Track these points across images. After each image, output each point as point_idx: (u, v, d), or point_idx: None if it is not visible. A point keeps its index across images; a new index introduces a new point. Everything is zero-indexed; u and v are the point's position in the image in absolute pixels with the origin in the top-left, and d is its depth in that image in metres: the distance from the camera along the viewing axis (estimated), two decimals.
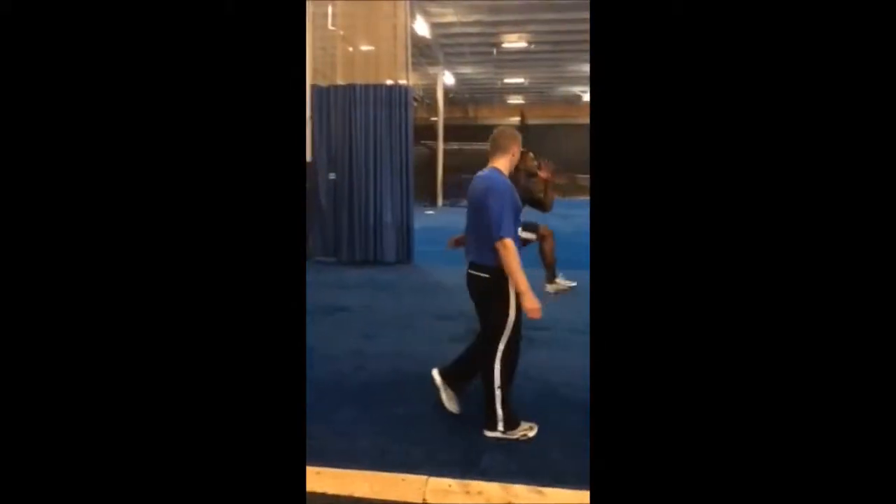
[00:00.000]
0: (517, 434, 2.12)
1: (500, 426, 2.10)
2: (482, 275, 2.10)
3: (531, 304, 1.96)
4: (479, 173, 2.22)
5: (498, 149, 2.19)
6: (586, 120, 23.12)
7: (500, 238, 1.97)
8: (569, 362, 2.98)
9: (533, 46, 13.33)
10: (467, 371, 2.28)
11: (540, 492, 1.73)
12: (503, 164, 2.19)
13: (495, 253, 2.00)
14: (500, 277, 2.06)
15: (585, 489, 1.59)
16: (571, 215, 11.10)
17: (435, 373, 2.33)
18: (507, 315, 2.07)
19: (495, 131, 2.29)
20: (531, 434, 2.14)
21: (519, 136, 2.26)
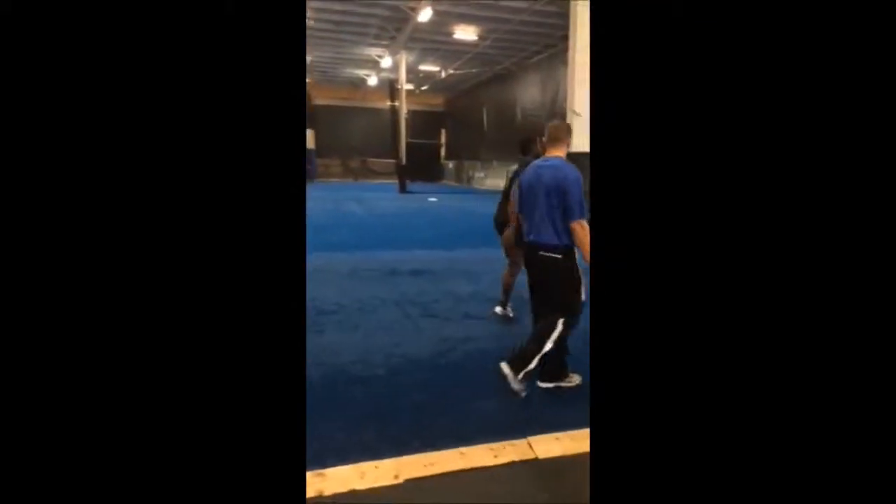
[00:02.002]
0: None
1: (523, 378, 2.27)
2: (554, 255, 2.28)
3: None
4: (542, 162, 2.42)
5: (557, 140, 2.42)
6: (373, 104, 23.75)
7: (580, 219, 2.22)
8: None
9: (314, 23, 12.91)
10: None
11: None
12: (563, 153, 2.42)
13: (569, 233, 2.25)
14: (570, 257, 2.29)
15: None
16: (366, 199, 11.94)
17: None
18: (579, 293, 2.31)
19: (553, 124, 2.51)
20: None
21: (571, 129, 2.53)
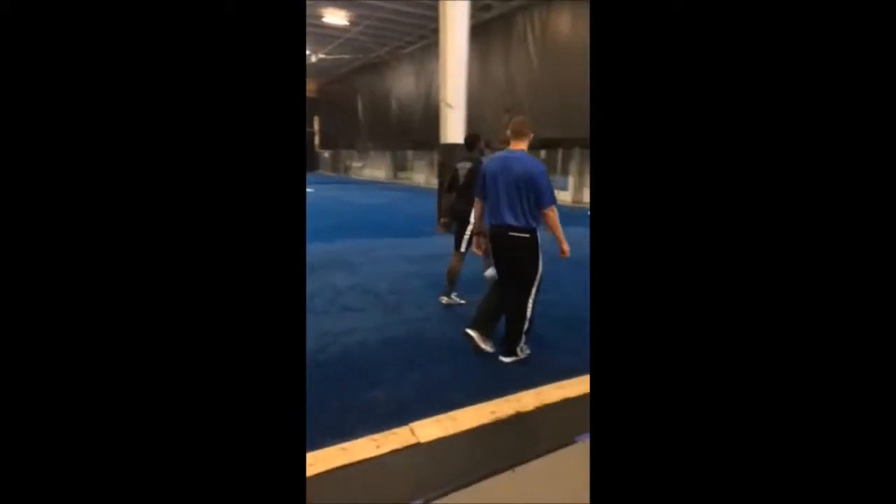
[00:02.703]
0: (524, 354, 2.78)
1: (521, 350, 2.77)
2: (523, 235, 2.66)
3: (567, 248, 2.73)
4: (508, 154, 2.73)
5: (522, 134, 2.72)
6: None
7: (551, 205, 2.63)
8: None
9: None
10: (494, 315, 2.85)
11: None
12: (526, 146, 2.75)
13: (536, 217, 2.65)
14: (535, 238, 2.68)
15: None
16: None
17: (468, 330, 2.83)
18: (538, 268, 2.71)
19: (517, 120, 2.79)
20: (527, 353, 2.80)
21: (532, 125, 2.82)
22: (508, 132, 2.79)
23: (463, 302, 3.78)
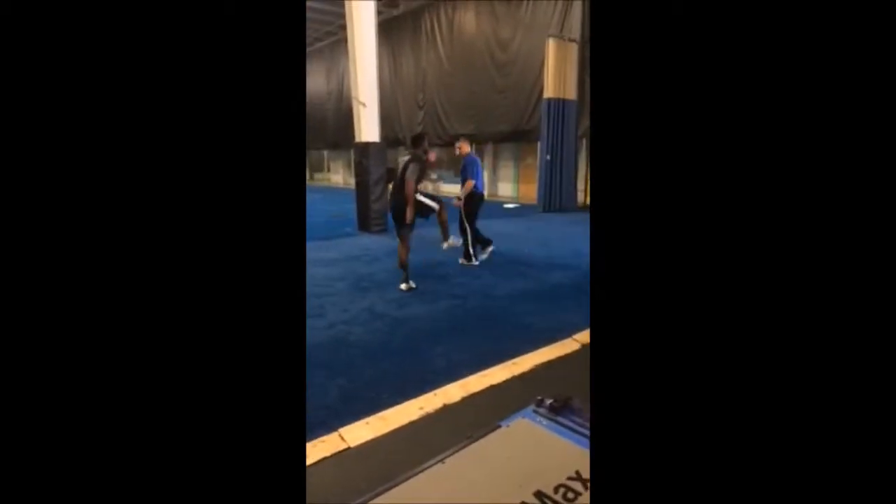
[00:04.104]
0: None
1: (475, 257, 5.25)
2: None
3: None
4: (475, 154, 5.42)
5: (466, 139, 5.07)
6: None
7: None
8: None
9: None
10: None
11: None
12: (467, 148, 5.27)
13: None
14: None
15: None
16: None
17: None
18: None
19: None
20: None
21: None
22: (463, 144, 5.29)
23: (415, 286, 4.25)
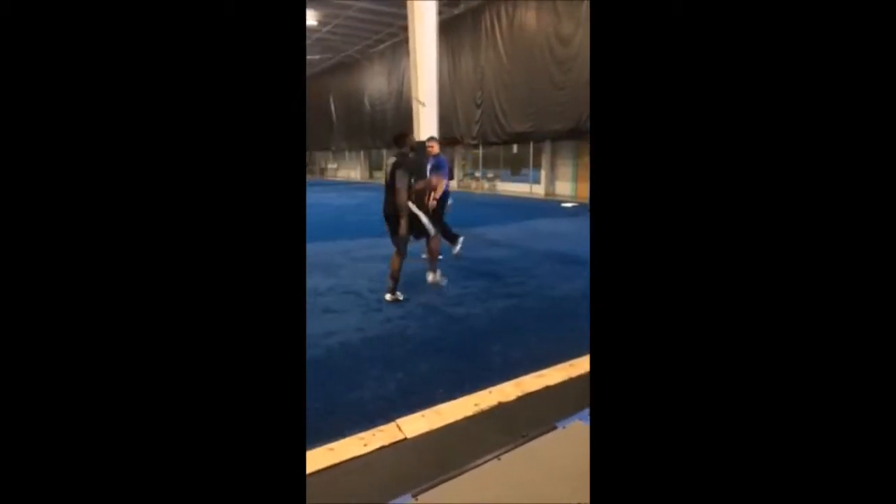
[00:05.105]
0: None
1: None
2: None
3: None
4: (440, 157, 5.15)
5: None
6: None
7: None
8: None
9: None
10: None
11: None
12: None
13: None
14: None
15: None
16: None
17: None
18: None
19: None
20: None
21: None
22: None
23: (402, 298, 3.90)
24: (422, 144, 4.50)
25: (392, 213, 3.80)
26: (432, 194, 4.63)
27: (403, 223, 3.78)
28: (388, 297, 3.92)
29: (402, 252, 3.88)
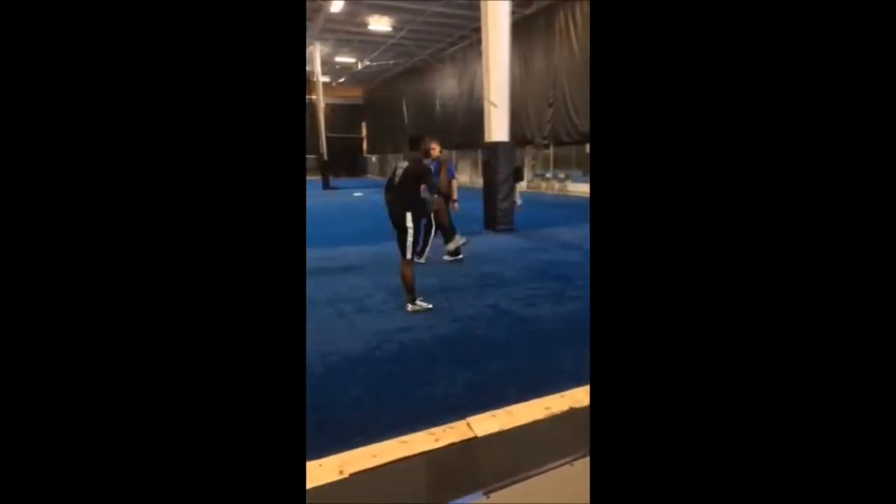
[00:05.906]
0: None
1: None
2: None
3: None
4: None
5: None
6: None
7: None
8: None
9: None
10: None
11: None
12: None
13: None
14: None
15: None
16: None
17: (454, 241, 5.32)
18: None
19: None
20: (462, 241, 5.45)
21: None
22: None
23: (430, 306, 3.67)
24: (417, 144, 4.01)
25: (399, 216, 3.54)
26: (452, 203, 5.25)
27: (411, 230, 3.53)
28: (409, 307, 3.65)
29: (410, 260, 3.62)
